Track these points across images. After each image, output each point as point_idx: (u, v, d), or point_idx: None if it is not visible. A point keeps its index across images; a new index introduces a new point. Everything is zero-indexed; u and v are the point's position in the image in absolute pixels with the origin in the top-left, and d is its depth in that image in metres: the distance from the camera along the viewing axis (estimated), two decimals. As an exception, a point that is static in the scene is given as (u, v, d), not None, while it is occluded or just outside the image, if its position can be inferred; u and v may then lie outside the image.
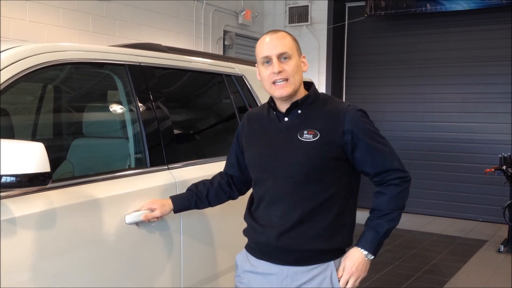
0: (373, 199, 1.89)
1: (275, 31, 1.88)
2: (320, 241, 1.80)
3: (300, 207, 1.80)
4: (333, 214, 1.82)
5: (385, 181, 1.86)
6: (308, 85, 1.94)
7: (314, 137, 1.80)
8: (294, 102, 1.86)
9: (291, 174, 1.81)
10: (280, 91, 1.82)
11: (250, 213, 1.96)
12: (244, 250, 2.01)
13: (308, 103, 1.88)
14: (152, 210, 2.04)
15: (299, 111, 1.87)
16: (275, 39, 1.83)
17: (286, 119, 1.88)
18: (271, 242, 1.84)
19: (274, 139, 1.88)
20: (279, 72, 1.80)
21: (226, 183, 2.13)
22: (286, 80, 1.81)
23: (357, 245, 1.86)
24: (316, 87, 2.03)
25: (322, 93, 1.96)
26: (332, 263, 1.84)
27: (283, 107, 1.89)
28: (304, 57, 1.90)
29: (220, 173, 2.18)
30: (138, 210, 2.04)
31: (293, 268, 1.83)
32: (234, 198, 2.18)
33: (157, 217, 2.05)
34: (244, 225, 2.00)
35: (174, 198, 2.10)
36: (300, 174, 1.80)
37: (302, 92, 1.90)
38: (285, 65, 1.81)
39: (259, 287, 1.90)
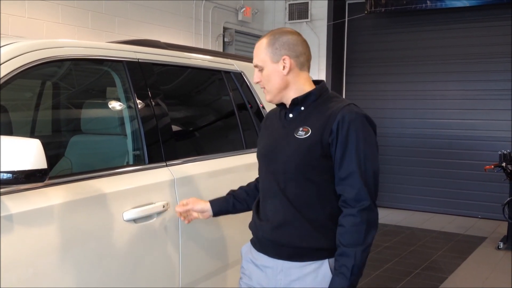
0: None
1: (262, 37, 1.91)
2: (313, 239, 1.79)
3: (292, 203, 1.80)
4: (326, 213, 1.80)
5: (342, 200, 1.77)
6: (319, 84, 1.93)
7: (306, 134, 1.80)
8: (294, 99, 1.87)
9: (283, 170, 1.82)
10: (266, 97, 1.94)
11: (255, 207, 1.99)
12: (249, 242, 2.03)
13: (311, 100, 1.87)
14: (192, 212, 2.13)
15: (302, 108, 1.88)
16: (256, 49, 1.91)
17: (290, 115, 1.90)
18: (266, 235, 1.87)
19: (277, 135, 1.91)
20: (257, 82, 1.92)
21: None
22: (264, 88, 1.91)
23: None
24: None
25: (331, 92, 1.93)
26: (326, 261, 1.80)
27: (288, 104, 1.92)
28: (284, 59, 1.85)
29: (256, 178, 2.16)
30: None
31: (287, 263, 1.83)
32: None
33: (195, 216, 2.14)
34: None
35: (212, 201, 2.14)
36: (290, 170, 1.80)
37: (303, 91, 1.88)
38: (261, 74, 1.90)
39: (257, 279, 1.92)
